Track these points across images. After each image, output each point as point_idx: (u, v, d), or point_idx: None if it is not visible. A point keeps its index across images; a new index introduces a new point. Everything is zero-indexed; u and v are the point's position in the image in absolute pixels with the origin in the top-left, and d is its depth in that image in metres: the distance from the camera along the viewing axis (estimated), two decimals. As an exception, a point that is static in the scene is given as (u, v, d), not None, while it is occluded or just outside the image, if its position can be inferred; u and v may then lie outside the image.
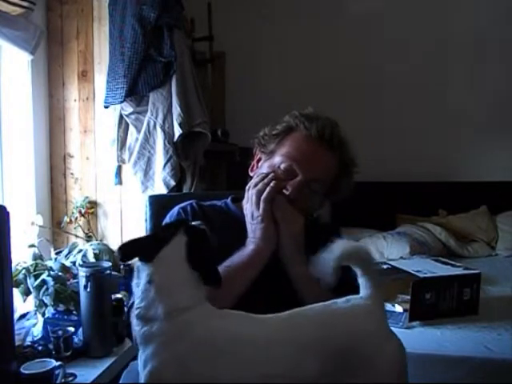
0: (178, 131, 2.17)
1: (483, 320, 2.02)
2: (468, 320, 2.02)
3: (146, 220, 1.60)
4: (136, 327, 0.90)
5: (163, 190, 2.21)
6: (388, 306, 2.09)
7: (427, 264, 2.30)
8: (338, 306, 0.95)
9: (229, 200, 1.35)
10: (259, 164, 1.30)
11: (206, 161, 2.42)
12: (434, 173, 3.61)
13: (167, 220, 1.30)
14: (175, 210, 1.31)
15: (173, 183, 2.21)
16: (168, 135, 2.20)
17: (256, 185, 1.20)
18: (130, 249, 0.96)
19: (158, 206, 1.54)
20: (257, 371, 0.87)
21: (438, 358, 1.76)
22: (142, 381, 0.88)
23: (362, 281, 0.98)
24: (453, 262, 2.39)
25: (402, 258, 2.92)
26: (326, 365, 0.89)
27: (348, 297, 0.97)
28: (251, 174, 1.31)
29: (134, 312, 0.91)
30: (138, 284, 0.92)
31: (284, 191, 1.20)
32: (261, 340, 0.90)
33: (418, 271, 2.15)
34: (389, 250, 3.04)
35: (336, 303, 0.96)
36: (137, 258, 0.95)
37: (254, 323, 0.92)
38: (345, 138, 1.27)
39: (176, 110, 2.18)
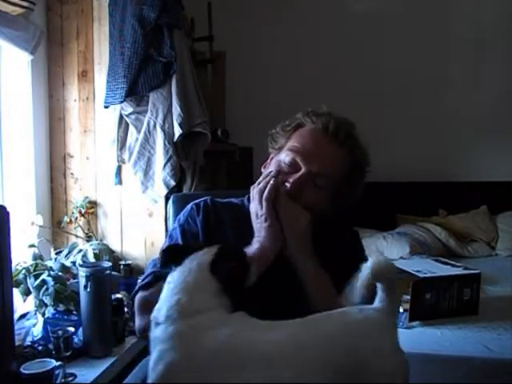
0: (178, 131, 2.17)
1: (483, 320, 2.02)
2: (468, 320, 2.02)
3: (168, 218, 1.63)
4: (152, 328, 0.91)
5: (163, 190, 2.21)
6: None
7: (427, 264, 2.30)
8: (351, 319, 0.94)
9: (246, 198, 1.35)
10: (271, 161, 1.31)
11: (206, 161, 2.42)
12: (434, 173, 3.60)
13: (180, 217, 1.31)
14: (189, 205, 1.32)
15: (173, 183, 2.21)
16: (168, 135, 2.20)
17: (259, 184, 1.20)
18: (163, 257, 0.99)
19: (181, 204, 1.55)
20: None
21: (438, 358, 1.76)
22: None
23: (378, 291, 0.97)
24: (453, 262, 2.38)
25: (401, 258, 2.92)
26: (336, 379, 0.87)
27: (361, 307, 0.96)
28: (262, 171, 1.30)
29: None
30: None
31: (286, 184, 1.19)
32: (271, 353, 0.87)
33: (417, 271, 2.14)
34: (389, 249, 3.04)
35: (350, 314, 0.95)
36: None
37: (264, 333, 0.90)
38: (356, 135, 1.24)
39: (176, 110, 2.18)
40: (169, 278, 0.92)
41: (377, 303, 0.97)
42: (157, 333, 0.88)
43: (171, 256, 0.96)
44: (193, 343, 0.86)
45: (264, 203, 1.17)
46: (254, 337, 0.89)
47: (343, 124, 1.23)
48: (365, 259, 1.34)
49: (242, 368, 0.85)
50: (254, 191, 1.21)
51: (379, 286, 0.97)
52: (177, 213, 1.53)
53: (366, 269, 0.95)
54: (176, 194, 1.75)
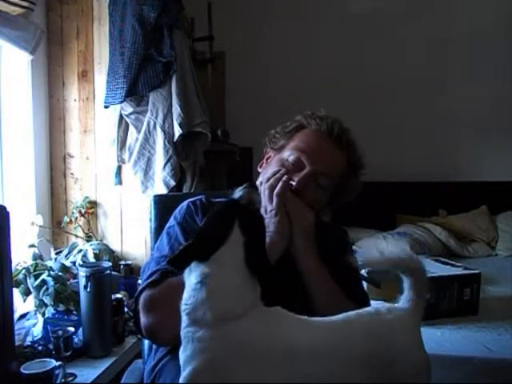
0: (177, 131, 2.17)
1: (483, 320, 2.02)
2: (468, 320, 2.02)
3: (150, 220, 1.57)
4: (182, 323, 0.89)
5: (163, 190, 2.21)
6: (388, 306, 2.09)
7: (427, 264, 2.27)
8: (383, 318, 0.96)
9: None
10: (268, 160, 1.32)
11: (206, 161, 2.42)
12: (434, 173, 3.61)
13: (177, 215, 1.30)
14: (185, 203, 1.32)
15: (173, 183, 2.21)
16: (168, 135, 2.20)
17: (268, 180, 1.21)
18: (183, 259, 0.91)
19: (163, 205, 1.53)
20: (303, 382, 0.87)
21: (438, 358, 1.75)
22: (181, 381, 0.87)
23: (406, 289, 0.99)
24: (453, 262, 2.38)
25: (402, 258, 2.91)
26: (371, 378, 0.89)
27: (389, 306, 0.98)
28: (259, 171, 1.32)
29: (182, 307, 0.89)
30: (189, 278, 0.89)
31: (291, 182, 1.20)
32: (311, 351, 0.88)
33: (417, 271, 2.14)
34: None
35: (379, 313, 0.96)
36: None
37: (303, 331, 0.91)
38: (354, 140, 1.29)
39: (176, 110, 2.18)
40: (199, 278, 0.87)
41: (405, 302, 0.99)
42: (200, 332, 0.86)
43: (190, 256, 0.90)
44: (240, 341, 0.86)
45: (275, 198, 1.18)
46: (291, 335, 0.90)
47: (345, 129, 1.27)
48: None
49: (280, 363, 0.86)
50: (263, 187, 1.21)
51: (407, 281, 0.99)
52: (159, 214, 1.50)
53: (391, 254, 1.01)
54: (158, 195, 1.70)
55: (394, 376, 0.91)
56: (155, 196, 1.61)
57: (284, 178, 1.19)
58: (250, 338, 0.87)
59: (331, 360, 0.89)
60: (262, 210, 1.20)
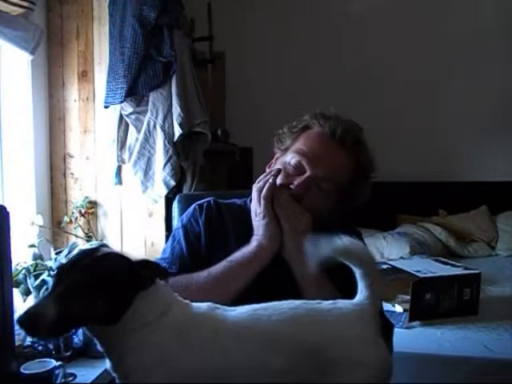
0: (178, 131, 2.17)
1: (483, 320, 2.02)
2: (468, 320, 2.02)
3: (172, 218, 1.61)
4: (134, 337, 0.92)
5: (163, 190, 2.21)
6: (388, 306, 2.09)
7: (427, 264, 2.30)
8: (318, 306, 0.93)
9: (248, 199, 1.34)
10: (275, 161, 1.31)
11: (206, 161, 2.42)
12: (434, 173, 3.61)
13: (183, 217, 1.32)
14: (192, 206, 1.33)
15: (173, 183, 2.21)
16: (168, 135, 2.20)
17: (258, 182, 1.21)
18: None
19: (187, 204, 1.54)
20: (218, 362, 0.87)
21: (438, 358, 1.76)
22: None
23: (360, 285, 0.95)
24: (453, 262, 2.39)
25: (402, 258, 2.92)
26: (291, 362, 0.87)
27: (338, 301, 0.94)
28: (267, 171, 1.30)
29: (134, 325, 0.91)
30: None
31: (290, 186, 1.19)
32: (227, 332, 0.89)
33: (417, 271, 2.15)
34: (389, 250, 3.04)
35: (320, 303, 0.93)
36: None
37: (223, 315, 0.91)
38: (363, 140, 1.25)
39: (176, 110, 2.18)
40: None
41: (358, 296, 0.95)
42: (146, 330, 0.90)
43: None
44: (174, 324, 0.89)
45: (262, 201, 1.17)
46: (216, 317, 0.91)
47: (351, 129, 1.23)
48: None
49: (206, 343, 0.87)
50: (254, 189, 1.21)
51: (357, 272, 0.95)
52: (182, 213, 1.52)
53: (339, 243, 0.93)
54: (182, 194, 1.74)
55: (329, 367, 0.87)
56: (180, 195, 1.65)
57: (271, 180, 1.18)
58: (184, 322, 0.89)
59: (251, 341, 0.88)
60: (253, 214, 1.20)
